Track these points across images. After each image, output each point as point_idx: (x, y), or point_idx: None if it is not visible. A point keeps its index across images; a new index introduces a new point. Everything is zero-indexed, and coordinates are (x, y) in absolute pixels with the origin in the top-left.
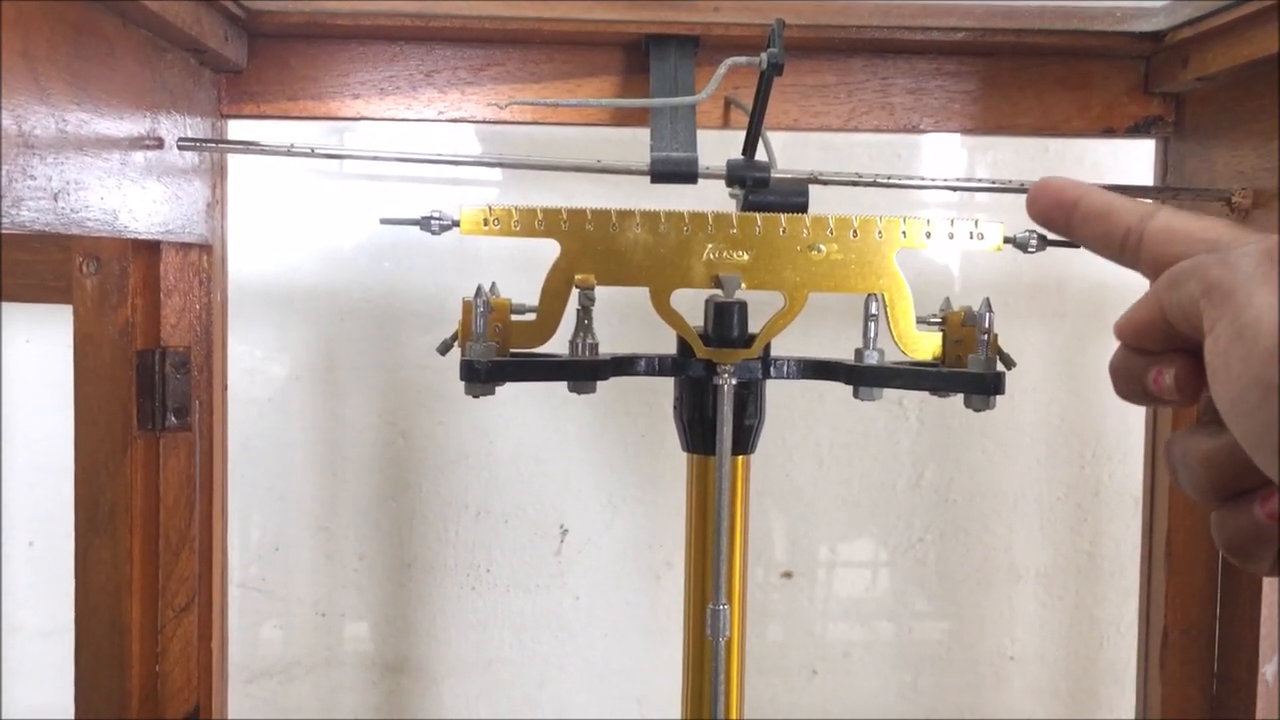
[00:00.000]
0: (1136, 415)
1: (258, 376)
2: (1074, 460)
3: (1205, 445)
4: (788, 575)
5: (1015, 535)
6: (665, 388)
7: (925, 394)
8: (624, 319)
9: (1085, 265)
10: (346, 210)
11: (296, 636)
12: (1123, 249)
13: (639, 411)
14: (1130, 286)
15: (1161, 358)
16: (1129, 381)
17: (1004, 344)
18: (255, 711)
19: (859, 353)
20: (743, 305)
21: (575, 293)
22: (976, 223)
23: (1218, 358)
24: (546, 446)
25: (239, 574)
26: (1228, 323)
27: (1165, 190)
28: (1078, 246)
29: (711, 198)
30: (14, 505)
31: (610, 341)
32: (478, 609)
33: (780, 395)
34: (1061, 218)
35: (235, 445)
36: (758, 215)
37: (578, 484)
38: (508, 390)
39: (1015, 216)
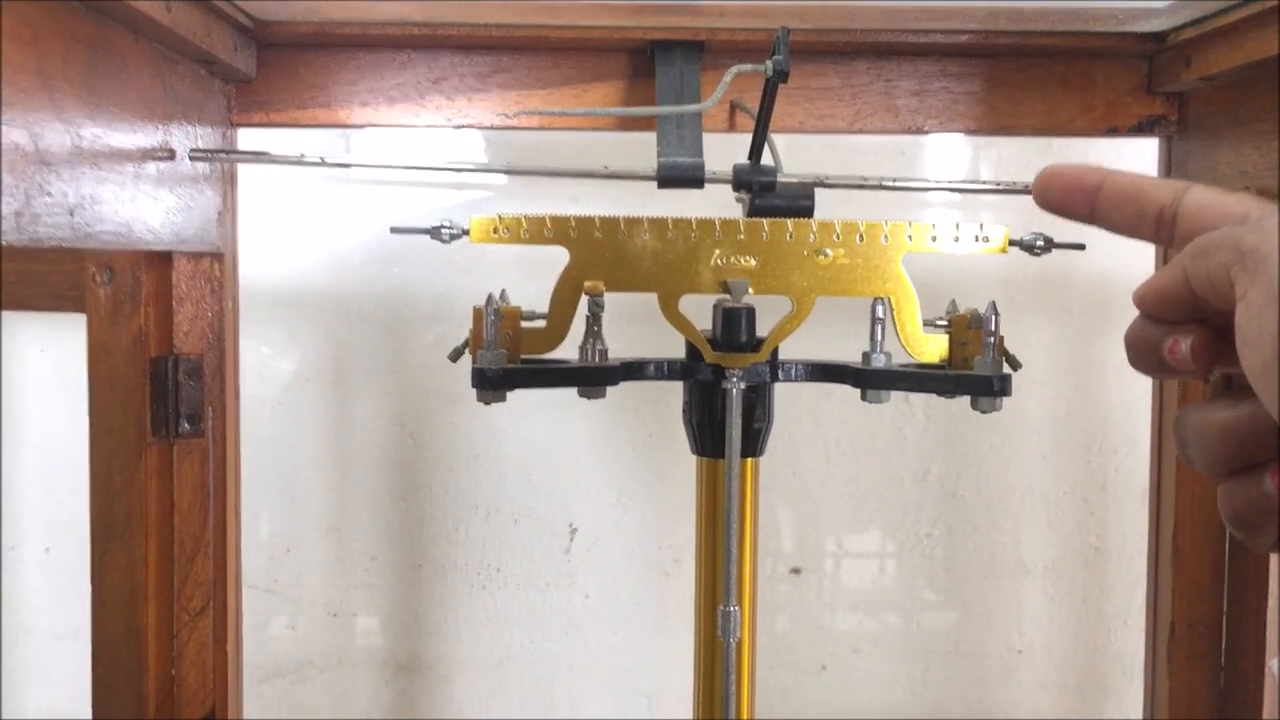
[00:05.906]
0: (1142, 409)
1: (269, 380)
2: (1080, 454)
3: (1222, 416)
4: (796, 571)
5: (1022, 529)
6: (674, 387)
7: None
8: (632, 321)
9: (1090, 260)
10: (355, 215)
11: (308, 637)
12: (1157, 227)
13: (647, 410)
14: (1136, 280)
15: (1179, 328)
16: (1143, 351)
17: (1009, 339)
18: (268, 711)
19: (866, 356)
20: (750, 310)
21: (584, 299)
22: (982, 226)
23: (1250, 323)
24: (555, 446)
25: (250, 575)
26: (1263, 288)
27: None
28: (1082, 247)
29: (717, 199)
30: (30, 511)
31: (619, 343)
32: (488, 608)
33: (788, 391)
34: (1084, 203)
35: (247, 448)
36: (764, 221)
37: (587, 483)
38: (517, 391)
39: (1021, 215)
